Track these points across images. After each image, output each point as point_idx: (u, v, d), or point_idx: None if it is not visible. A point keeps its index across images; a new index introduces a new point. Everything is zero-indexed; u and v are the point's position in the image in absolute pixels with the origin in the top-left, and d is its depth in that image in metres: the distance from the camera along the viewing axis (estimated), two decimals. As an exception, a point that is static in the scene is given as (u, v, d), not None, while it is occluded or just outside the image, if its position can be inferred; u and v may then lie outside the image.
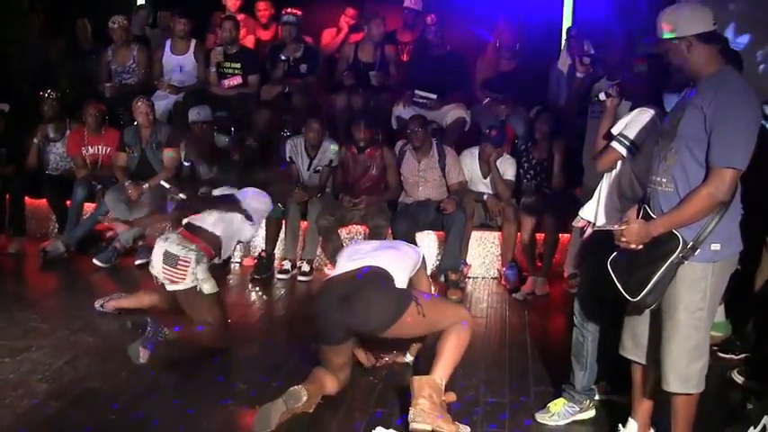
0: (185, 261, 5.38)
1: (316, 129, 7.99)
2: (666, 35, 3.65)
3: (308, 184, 8.05)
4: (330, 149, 8.05)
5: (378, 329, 4.51)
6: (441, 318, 4.54)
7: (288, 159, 8.04)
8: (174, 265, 5.38)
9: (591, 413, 4.62)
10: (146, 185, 7.87)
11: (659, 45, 3.79)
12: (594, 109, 6.83)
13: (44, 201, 8.39)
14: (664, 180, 3.68)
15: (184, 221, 5.68)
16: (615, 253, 3.85)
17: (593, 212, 4.68)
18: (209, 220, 5.62)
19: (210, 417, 4.54)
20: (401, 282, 4.66)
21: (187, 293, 5.46)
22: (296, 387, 4.41)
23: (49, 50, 9.71)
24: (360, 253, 4.84)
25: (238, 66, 9.19)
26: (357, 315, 4.43)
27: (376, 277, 4.56)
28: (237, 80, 9.18)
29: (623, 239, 3.73)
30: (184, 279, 5.40)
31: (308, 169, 8.11)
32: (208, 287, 5.47)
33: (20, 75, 9.72)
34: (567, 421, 4.56)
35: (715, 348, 5.55)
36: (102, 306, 6.20)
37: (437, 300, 5.05)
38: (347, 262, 4.75)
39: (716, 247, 3.61)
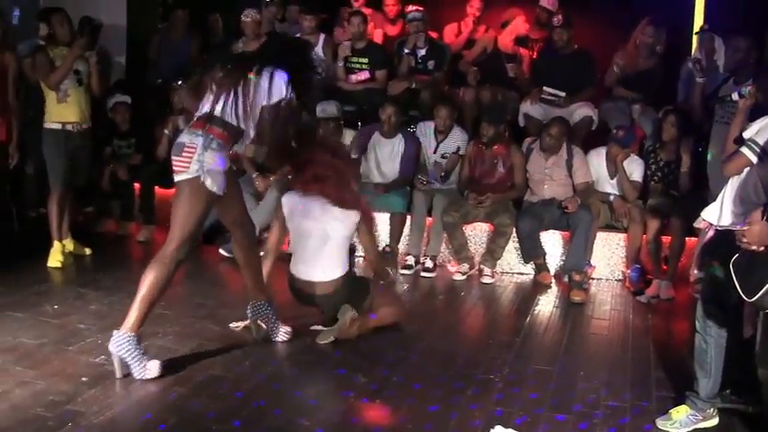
0: (191, 147, 4.87)
1: (443, 115, 8.12)
2: None
3: (434, 169, 8.23)
4: (459, 136, 8.18)
5: None
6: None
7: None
8: (180, 153, 4.89)
9: (714, 422, 4.51)
10: (273, 177, 7.99)
11: None
12: (721, 113, 6.67)
13: (173, 190, 8.52)
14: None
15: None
16: (737, 254, 3.80)
17: (716, 215, 4.57)
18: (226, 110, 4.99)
19: (331, 408, 4.60)
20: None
21: (186, 185, 4.93)
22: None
23: (188, 47, 9.89)
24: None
25: (366, 61, 9.25)
26: None
27: None
28: (365, 75, 9.25)
29: (744, 240, 3.70)
30: (188, 168, 4.87)
31: (435, 152, 8.26)
32: (210, 182, 4.87)
33: (154, 66, 9.97)
34: (689, 429, 4.45)
35: None
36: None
37: None
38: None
39: None
